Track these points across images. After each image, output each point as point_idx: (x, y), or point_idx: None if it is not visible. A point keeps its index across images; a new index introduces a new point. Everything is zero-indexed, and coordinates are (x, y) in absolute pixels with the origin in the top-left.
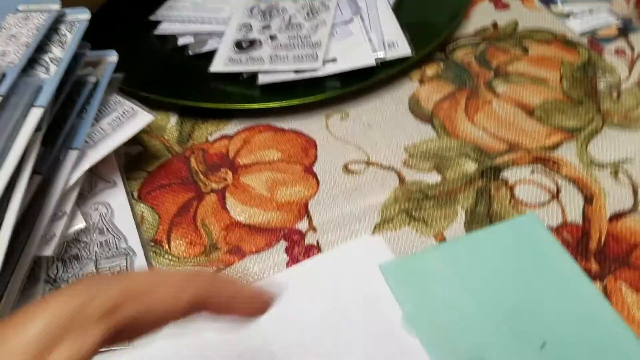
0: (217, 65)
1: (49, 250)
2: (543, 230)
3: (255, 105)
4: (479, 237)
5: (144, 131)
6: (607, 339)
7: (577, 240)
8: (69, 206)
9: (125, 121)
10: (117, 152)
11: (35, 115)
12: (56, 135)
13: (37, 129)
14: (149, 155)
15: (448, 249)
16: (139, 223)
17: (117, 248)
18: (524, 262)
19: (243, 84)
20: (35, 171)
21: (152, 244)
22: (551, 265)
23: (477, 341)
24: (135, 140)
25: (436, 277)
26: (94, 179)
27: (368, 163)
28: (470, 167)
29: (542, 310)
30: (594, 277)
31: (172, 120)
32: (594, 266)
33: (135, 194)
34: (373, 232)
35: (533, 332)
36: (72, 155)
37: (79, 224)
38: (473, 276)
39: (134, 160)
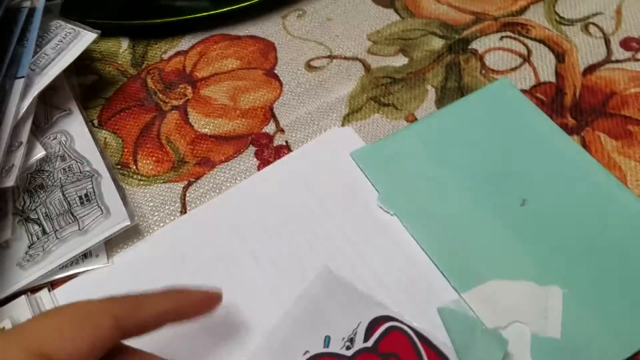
0: None
1: (9, 181)
2: (515, 92)
3: (207, 13)
4: (451, 110)
5: (96, 59)
6: (588, 187)
7: (552, 98)
8: (24, 136)
9: (70, 43)
10: (70, 82)
11: None
12: None
13: None
14: (104, 82)
15: (419, 127)
16: (102, 147)
17: (80, 172)
18: (498, 126)
19: None
20: None
21: (119, 167)
22: (526, 125)
23: (455, 208)
24: (89, 69)
25: (410, 156)
26: (49, 110)
27: (331, 57)
28: (437, 43)
29: (520, 170)
30: (571, 132)
31: (124, 44)
32: (571, 121)
33: (96, 122)
34: (342, 124)
35: (512, 191)
36: (19, 84)
37: (39, 153)
38: (447, 148)
39: (90, 89)
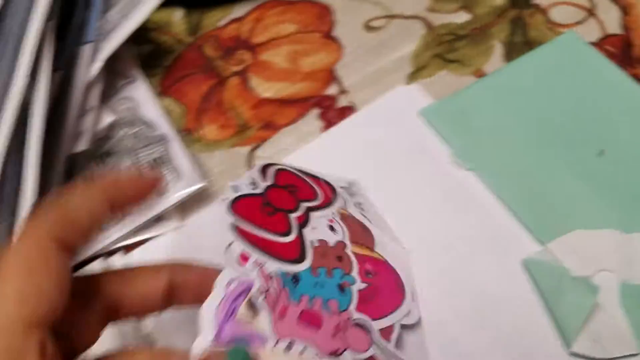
0: None
1: (82, 145)
2: (584, 45)
3: None
4: (519, 64)
5: (152, 29)
6: None
7: (621, 49)
8: (94, 101)
9: (134, 8)
10: (130, 51)
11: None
12: (67, 32)
13: (48, 19)
14: (162, 51)
15: (489, 82)
16: (167, 112)
17: (150, 136)
18: (569, 78)
19: None
20: (54, 68)
21: (184, 132)
22: (597, 76)
23: (532, 161)
24: (145, 39)
25: (481, 111)
26: (113, 77)
27: (390, 17)
28: None
29: (596, 120)
30: None
31: (178, 14)
32: None
33: (158, 91)
34: (408, 83)
35: (589, 142)
36: (87, 48)
37: (108, 118)
38: (519, 102)
39: (148, 59)
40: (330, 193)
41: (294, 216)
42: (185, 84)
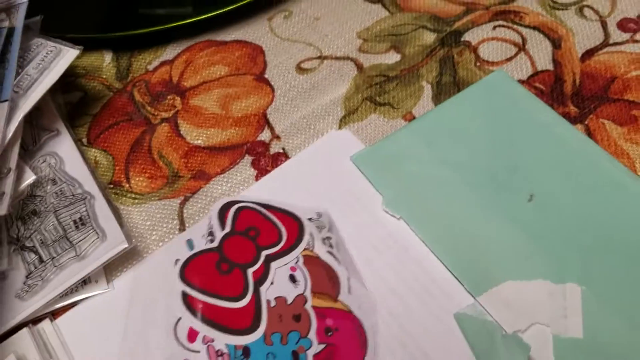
0: None
1: (2, 210)
2: (513, 83)
3: (189, 20)
4: (448, 105)
5: (80, 75)
6: (597, 178)
7: (551, 87)
8: (13, 162)
9: (52, 61)
10: (56, 101)
11: None
12: None
13: None
14: (90, 98)
15: (418, 125)
16: (92, 167)
17: (73, 195)
18: (498, 120)
19: (173, 2)
20: None
21: (112, 186)
22: (526, 116)
23: (462, 208)
24: (74, 86)
25: (411, 156)
26: (36, 131)
27: (321, 58)
28: (429, 37)
29: (525, 163)
30: (574, 120)
31: (107, 58)
32: (573, 110)
33: (85, 140)
34: (339, 127)
35: (519, 187)
36: (3, 107)
37: (29, 178)
38: (448, 146)
39: (77, 107)
40: (296, 231)
41: (251, 271)
42: (113, 132)
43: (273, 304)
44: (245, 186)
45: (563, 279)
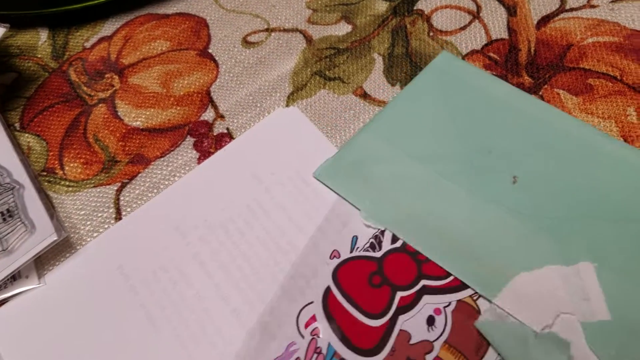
0: None
1: None
2: (461, 63)
3: None
4: (401, 99)
5: (14, 55)
6: (570, 144)
7: (506, 56)
8: None
9: None
10: None
11: None
12: None
13: None
14: (25, 79)
15: (376, 126)
16: (24, 154)
17: (1, 185)
18: (454, 103)
19: None
20: None
21: (45, 173)
22: (483, 95)
23: (448, 205)
24: (7, 67)
25: (378, 159)
26: None
27: (269, 30)
28: (381, 6)
29: (496, 144)
30: (528, 91)
31: (43, 35)
32: (527, 80)
33: (18, 125)
34: (287, 104)
35: (499, 171)
36: None
37: None
38: (412, 140)
39: (10, 89)
40: None
41: (400, 295)
42: (47, 116)
43: (397, 334)
44: (187, 170)
45: (573, 259)
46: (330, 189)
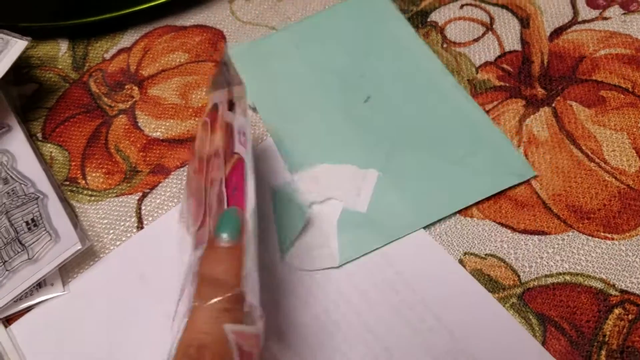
0: None
1: None
2: (386, 2)
3: (148, 5)
4: (325, 14)
5: (35, 66)
6: (426, 87)
7: (519, 68)
8: None
9: (1, 52)
10: (8, 94)
11: None
12: None
13: None
14: (46, 90)
15: (294, 29)
16: (46, 164)
17: (25, 194)
18: (362, 32)
19: None
20: None
21: (67, 183)
22: (386, 32)
23: (309, 103)
24: (28, 77)
25: (280, 55)
26: None
27: None
28: None
29: (371, 71)
30: (541, 103)
31: (63, 47)
32: (540, 92)
33: (40, 135)
34: None
35: (360, 89)
36: None
37: None
38: (314, 50)
39: (32, 100)
40: None
41: None
42: (68, 126)
43: None
44: None
45: (368, 166)
46: (238, 65)
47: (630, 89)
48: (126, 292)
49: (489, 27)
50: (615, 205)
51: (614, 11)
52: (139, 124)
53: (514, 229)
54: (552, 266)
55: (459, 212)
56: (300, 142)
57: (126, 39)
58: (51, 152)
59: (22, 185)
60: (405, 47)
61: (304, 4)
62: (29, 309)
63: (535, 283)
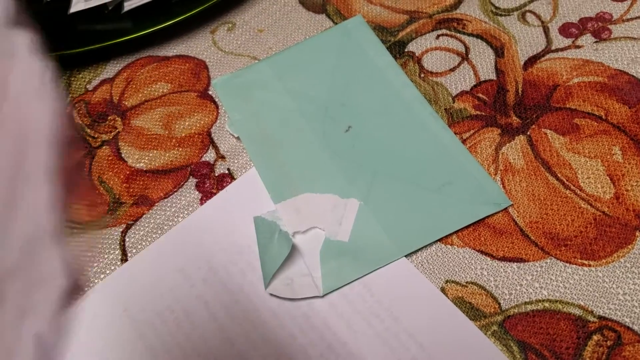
0: (77, 4)
1: None
2: (366, 30)
3: (130, 36)
4: (307, 44)
5: None
6: (406, 118)
7: (494, 97)
8: None
9: None
10: None
11: None
12: None
13: None
14: None
15: (276, 58)
16: None
17: None
18: (344, 61)
19: (111, 18)
20: None
21: None
22: (368, 61)
23: (292, 134)
24: None
25: (263, 85)
26: None
27: None
28: None
29: (352, 101)
30: (517, 131)
31: None
32: (515, 120)
33: None
34: None
35: (341, 119)
36: None
37: None
38: (297, 80)
39: None
40: None
41: None
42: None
43: None
44: (190, 210)
45: (349, 195)
46: (220, 96)
47: (603, 117)
48: (109, 327)
49: (464, 56)
50: (591, 232)
51: (586, 39)
52: (123, 155)
53: (493, 257)
54: (531, 293)
55: (440, 240)
56: (283, 172)
57: (109, 70)
58: None
59: None
60: (385, 77)
61: (285, 35)
62: None
63: (516, 310)
